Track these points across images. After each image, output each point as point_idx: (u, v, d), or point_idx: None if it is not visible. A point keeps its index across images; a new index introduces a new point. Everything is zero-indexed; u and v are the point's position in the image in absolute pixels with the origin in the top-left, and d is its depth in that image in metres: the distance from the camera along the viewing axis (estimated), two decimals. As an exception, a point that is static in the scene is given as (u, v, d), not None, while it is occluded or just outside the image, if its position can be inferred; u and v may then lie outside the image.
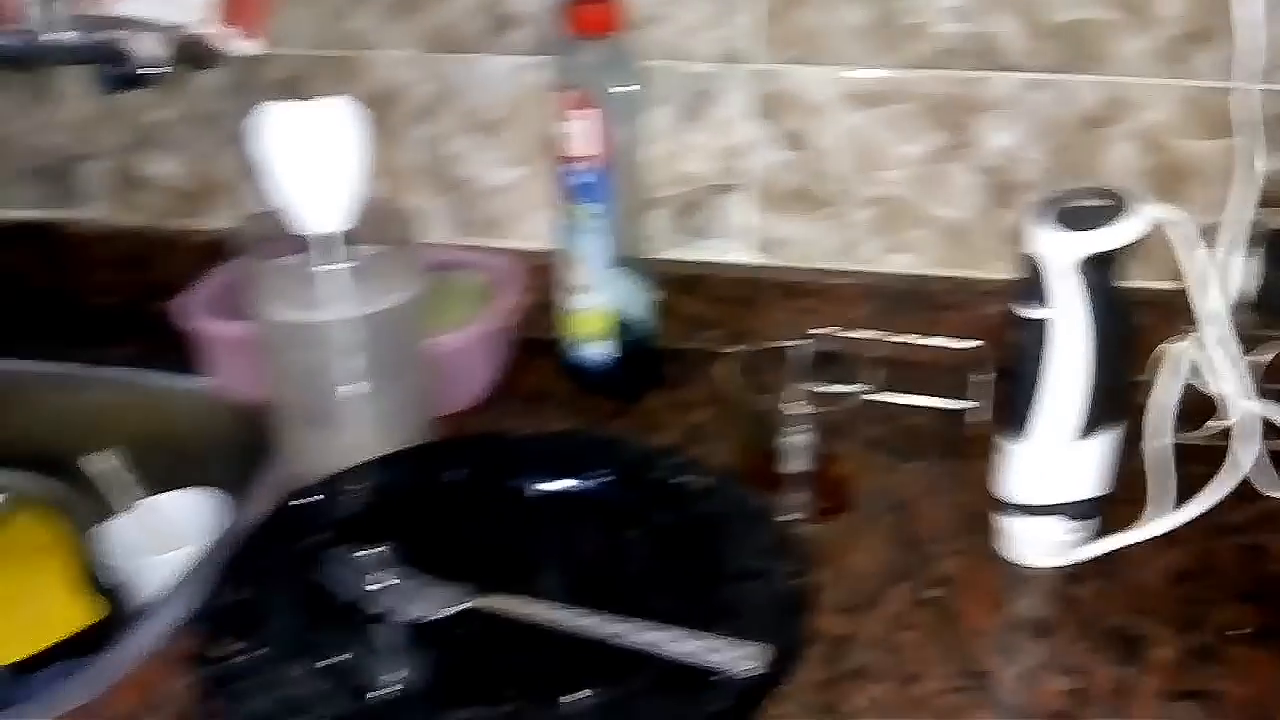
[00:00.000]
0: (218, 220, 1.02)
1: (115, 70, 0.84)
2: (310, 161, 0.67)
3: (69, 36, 0.86)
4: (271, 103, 0.68)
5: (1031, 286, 0.64)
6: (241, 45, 0.89)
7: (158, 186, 1.02)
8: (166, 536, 0.85)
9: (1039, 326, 0.64)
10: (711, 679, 0.55)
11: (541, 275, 0.93)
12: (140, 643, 0.67)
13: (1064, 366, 0.65)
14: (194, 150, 0.99)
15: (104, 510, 0.88)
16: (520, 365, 0.93)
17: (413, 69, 0.92)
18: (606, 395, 0.89)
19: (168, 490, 0.87)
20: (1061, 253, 0.62)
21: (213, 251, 0.99)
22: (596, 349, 0.87)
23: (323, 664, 0.58)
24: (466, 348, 0.85)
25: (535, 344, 0.93)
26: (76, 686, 0.65)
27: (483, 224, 0.98)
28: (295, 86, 0.94)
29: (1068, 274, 0.63)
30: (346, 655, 0.59)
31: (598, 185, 0.81)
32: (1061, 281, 0.63)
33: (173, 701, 0.62)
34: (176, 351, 0.93)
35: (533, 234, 0.96)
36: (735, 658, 0.55)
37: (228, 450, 0.91)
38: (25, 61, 0.92)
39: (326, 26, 0.92)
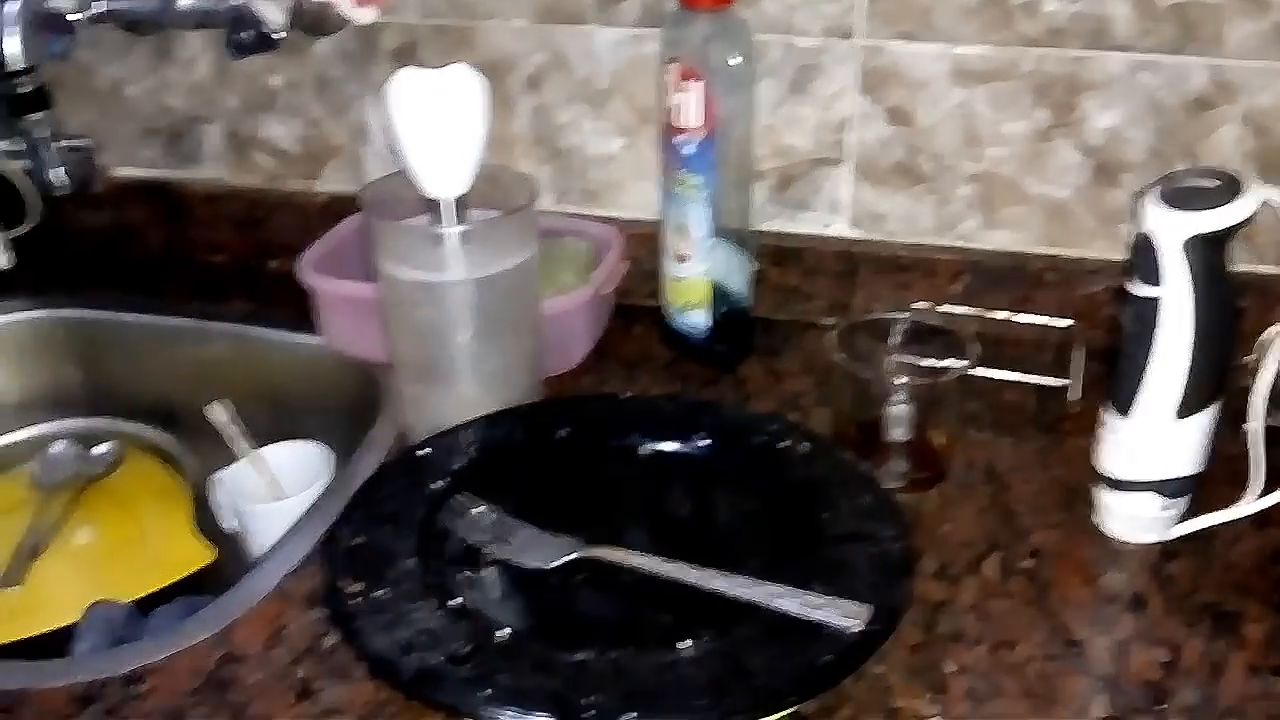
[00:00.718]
0: (329, 183, 1.05)
1: (242, 35, 0.87)
2: (435, 127, 0.70)
3: (199, 1, 0.90)
4: (400, 69, 0.70)
5: (1142, 265, 0.65)
6: (359, 13, 0.92)
7: (273, 148, 1.05)
8: (277, 486, 0.88)
9: (1147, 305, 0.65)
10: (815, 635, 0.57)
11: (643, 243, 0.95)
12: (264, 581, 0.70)
13: (1170, 345, 0.65)
14: (308, 114, 1.03)
15: (217, 460, 0.92)
16: (620, 331, 0.95)
17: (524, 39, 0.95)
18: (703, 363, 0.91)
19: (278, 442, 0.91)
20: (1172, 232, 0.63)
21: (324, 213, 1.02)
22: (695, 317, 0.89)
23: (440, 607, 0.60)
24: (571, 312, 0.87)
25: (635, 310, 0.96)
26: (203, 621, 0.68)
27: (587, 192, 1.00)
28: (409, 54, 0.97)
29: (1178, 253, 0.63)
30: (462, 599, 0.62)
31: (702, 156, 0.83)
32: (1171, 261, 0.64)
33: (296, 636, 0.66)
34: (288, 308, 0.97)
35: (635, 203, 0.98)
36: (837, 615, 0.57)
37: (336, 405, 0.95)
38: (154, 25, 0.96)
39: (441, -4, 0.95)
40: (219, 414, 0.88)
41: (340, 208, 1.02)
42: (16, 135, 0.86)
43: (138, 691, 0.63)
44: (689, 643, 0.58)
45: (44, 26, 0.82)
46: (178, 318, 1.02)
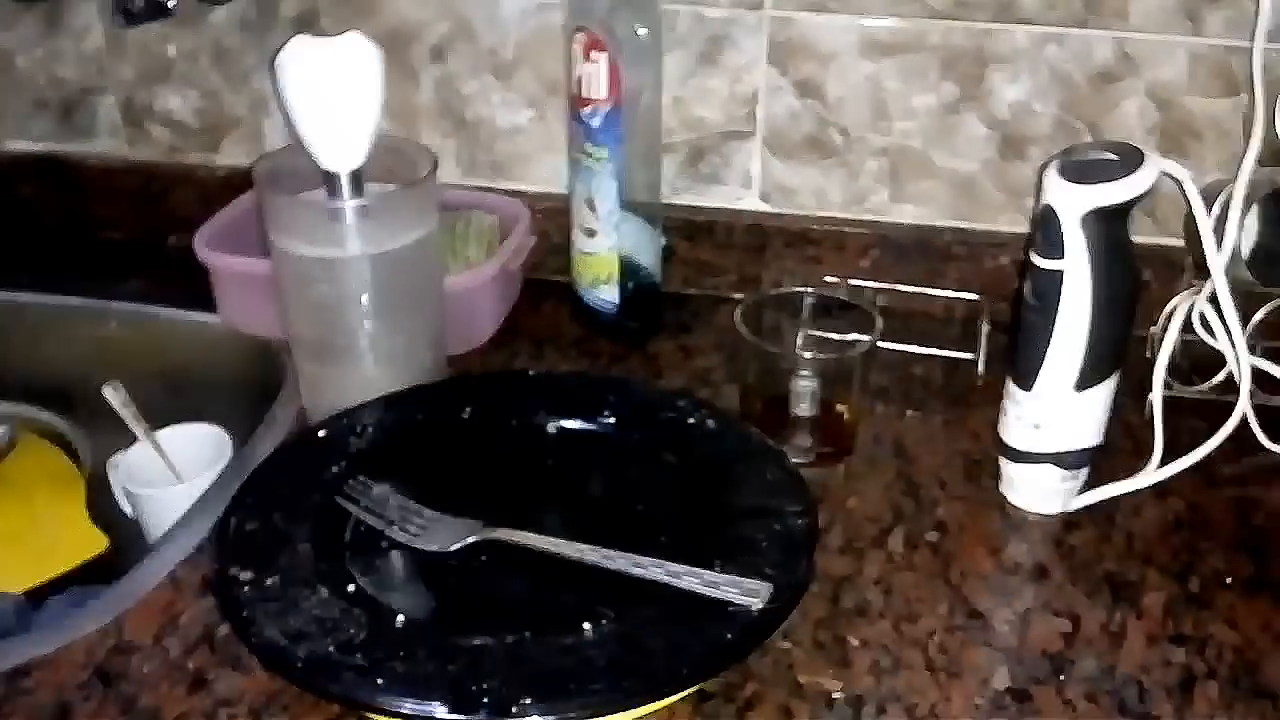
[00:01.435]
0: (229, 156, 1.02)
1: (131, 3, 0.84)
2: (329, 98, 0.67)
3: (84, -33, 0.86)
4: (292, 39, 0.68)
5: (1043, 238, 0.65)
6: (256, -20, 0.89)
7: (170, 121, 1.02)
8: (173, 469, 0.86)
9: (1049, 277, 0.65)
10: (717, 613, 0.57)
11: (552, 218, 0.94)
12: (156, 569, 0.68)
13: (1070, 318, 0.66)
14: (206, 85, 0.99)
15: (112, 443, 0.89)
16: (528, 307, 0.94)
17: (427, 7, 0.92)
18: (613, 339, 0.90)
19: (175, 424, 0.88)
20: (1073, 205, 0.63)
21: (224, 187, 1.00)
22: (604, 291, 0.88)
23: (334, 594, 0.59)
24: (476, 288, 0.85)
25: (543, 286, 0.95)
26: (94, 611, 0.66)
27: (494, 165, 0.98)
28: (309, 23, 0.94)
29: (1078, 226, 0.63)
30: (357, 586, 0.61)
31: (609, 128, 0.82)
32: (1072, 234, 0.64)
33: (189, 626, 0.64)
34: (186, 286, 0.94)
35: (544, 176, 0.97)
36: (739, 593, 0.57)
37: (235, 386, 0.92)
38: (39, -8, 0.92)
39: (342, -38, 0.92)
40: (114, 396, 0.86)
41: (241, 181, 0.98)
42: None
43: (24, 686, 0.61)
44: (589, 625, 0.57)
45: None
46: (73, 297, 0.99)
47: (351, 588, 0.59)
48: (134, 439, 0.87)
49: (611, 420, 0.73)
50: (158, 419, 0.87)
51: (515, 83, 0.94)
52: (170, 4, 0.85)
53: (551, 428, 0.73)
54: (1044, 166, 0.66)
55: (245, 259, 0.87)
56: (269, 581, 0.58)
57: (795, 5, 0.87)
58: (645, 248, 0.88)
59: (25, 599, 0.78)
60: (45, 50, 1.01)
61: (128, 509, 0.88)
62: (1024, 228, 0.91)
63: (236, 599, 0.57)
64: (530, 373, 0.81)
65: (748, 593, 0.57)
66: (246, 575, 0.59)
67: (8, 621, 0.75)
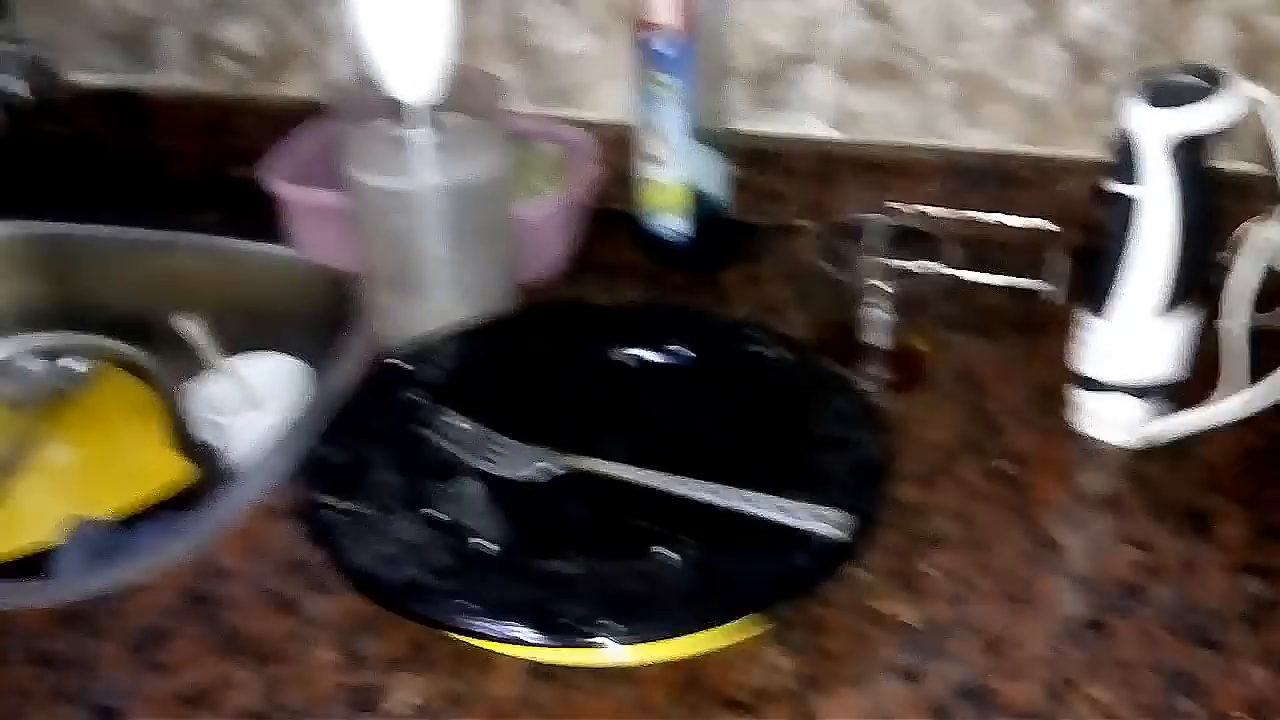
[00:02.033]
0: (295, 87, 1.02)
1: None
2: (401, 27, 0.67)
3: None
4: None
5: (1121, 164, 0.64)
6: (321, -91, 0.88)
7: (235, 51, 1.02)
8: (251, 399, 0.87)
9: (1127, 203, 0.64)
10: (792, 540, 0.57)
11: (616, 147, 0.93)
12: (243, 496, 0.70)
13: (1150, 244, 0.65)
14: (270, 14, 0.99)
15: (189, 373, 0.91)
16: (595, 237, 0.94)
17: (491, -67, 0.92)
18: (681, 268, 0.90)
19: (249, 354, 0.89)
20: (1154, 130, 0.62)
21: (291, 118, 1.00)
22: (671, 222, 0.88)
23: (420, 519, 0.60)
24: (544, 218, 0.86)
25: (610, 215, 0.94)
26: (183, 537, 0.68)
27: (558, 93, 0.98)
28: (372, -48, 0.94)
29: (1159, 152, 0.62)
30: (442, 511, 0.62)
31: (677, 55, 0.81)
32: (1152, 159, 0.63)
33: (277, 552, 0.66)
34: (256, 217, 0.95)
35: (608, 104, 0.96)
36: (816, 520, 0.57)
37: (308, 316, 0.94)
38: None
39: (404, -110, 0.91)
40: (189, 327, 0.87)
41: (307, 112, 0.99)
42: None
43: (120, 609, 0.63)
44: (667, 550, 0.58)
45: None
46: (145, 229, 1.00)
47: (437, 514, 0.61)
48: (210, 369, 0.88)
49: (683, 350, 0.73)
50: (232, 349, 0.89)
51: (580, 8, 0.93)
52: (236, -66, 0.85)
53: (625, 358, 0.74)
54: (1121, 90, 0.65)
55: (316, 190, 0.87)
56: (357, 508, 0.60)
57: (865, -74, 0.86)
58: (712, 176, 0.88)
59: (115, 525, 0.80)
60: (111, -18, 1.01)
61: (208, 437, 0.89)
62: (1098, 153, 0.89)
63: (327, 526, 0.59)
64: (600, 304, 0.81)
65: (825, 520, 0.57)
66: (335, 502, 0.60)
67: (99, 546, 0.78)
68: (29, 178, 1.06)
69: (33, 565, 0.79)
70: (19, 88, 0.84)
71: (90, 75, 1.06)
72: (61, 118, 1.05)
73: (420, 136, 0.70)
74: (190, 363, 0.89)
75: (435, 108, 0.71)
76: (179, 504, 0.86)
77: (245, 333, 0.91)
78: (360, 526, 0.59)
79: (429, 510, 0.62)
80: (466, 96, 0.73)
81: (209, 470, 0.88)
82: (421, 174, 0.70)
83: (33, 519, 0.84)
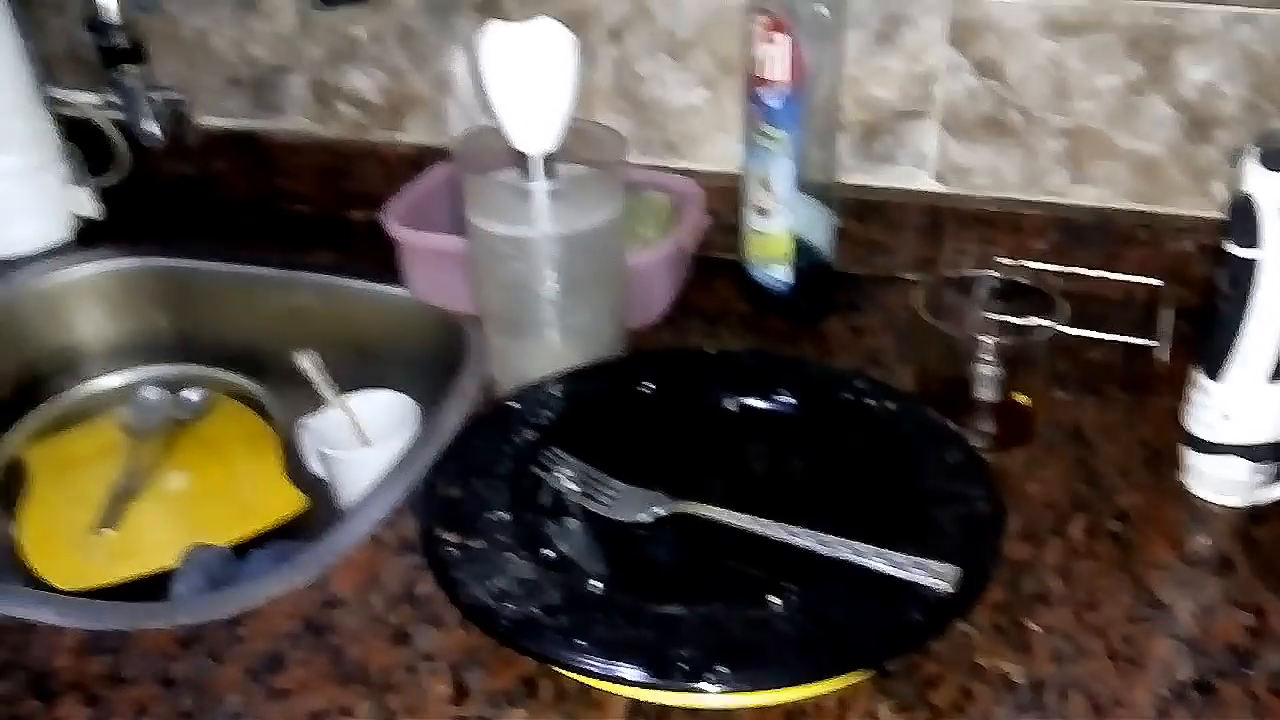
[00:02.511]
0: (412, 134, 1.06)
1: (330, -13, 0.88)
2: (525, 82, 0.70)
3: (285, -47, 0.90)
4: (490, 24, 0.70)
5: (1240, 226, 0.64)
6: (445, -36, 0.92)
7: (356, 99, 1.06)
8: (362, 433, 0.90)
9: (1245, 267, 0.64)
10: (902, 593, 0.58)
11: (722, 196, 0.95)
12: (357, 528, 0.72)
13: (1267, 309, 0.64)
14: (391, 65, 1.03)
15: (303, 407, 0.94)
16: (700, 284, 0.95)
17: (607, -10, 0.94)
18: (784, 317, 0.91)
19: (362, 390, 0.92)
20: (1273, 194, 0.62)
21: (407, 163, 1.04)
22: (776, 271, 0.89)
23: (532, 558, 0.62)
24: (653, 266, 0.87)
25: (715, 263, 0.96)
26: (302, 566, 0.70)
27: (667, 144, 1.00)
28: (492, 6, 0.97)
29: (1278, 216, 0.62)
30: (553, 550, 0.64)
31: (787, 109, 0.82)
32: (1271, 223, 0.62)
33: (390, 584, 0.67)
34: (372, 258, 0.98)
35: (716, 155, 0.98)
36: (926, 575, 0.58)
37: (420, 355, 0.96)
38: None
39: (524, -54, 0.94)
40: (306, 362, 0.90)
41: (423, 158, 1.03)
42: (111, 88, 0.87)
43: (239, 634, 0.65)
44: (776, 599, 0.58)
45: (136, -21, 0.83)
46: (264, 267, 1.04)
47: (548, 552, 0.62)
48: (324, 403, 0.91)
49: (789, 399, 0.74)
50: (344, 385, 0.91)
51: (690, 63, 0.95)
52: (365, -12, 0.89)
53: (731, 405, 0.75)
54: (1239, 152, 0.65)
55: (433, 235, 0.90)
56: (472, 545, 0.62)
57: (977, -16, 0.87)
58: (818, 227, 0.89)
59: (231, 551, 0.83)
60: (240, 30, 1.06)
61: (318, 470, 0.92)
62: (1209, 212, 0.89)
63: (444, 561, 0.61)
64: (709, 350, 0.82)
65: (935, 575, 0.58)
66: (451, 537, 0.62)
67: (216, 572, 0.80)
68: (156, 214, 1.11)
69: (151, 588, 0.82)
70: (154, 131, 0.88)
71: (218, 118, 1.11)
72: (189, 158, 1.10)
73: (538, 186, 0.72)
74: (303, 397, 0.92)
75: (553, 158, 0.73)
76: (291, 533, 0.89)
77: (358, 369, 0.94)
78: (474, 562, 0.61)
79: (541, 548, 0.63)
80: (584, 147, 0.75)
81: (320, 501, 0.91)
82: (539, 222, 0.72)
83: (152, 544, 0.88)
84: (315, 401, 0.91)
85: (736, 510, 0.64)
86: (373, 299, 1.00)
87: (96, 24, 0.79)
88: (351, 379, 0.92)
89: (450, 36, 1.00)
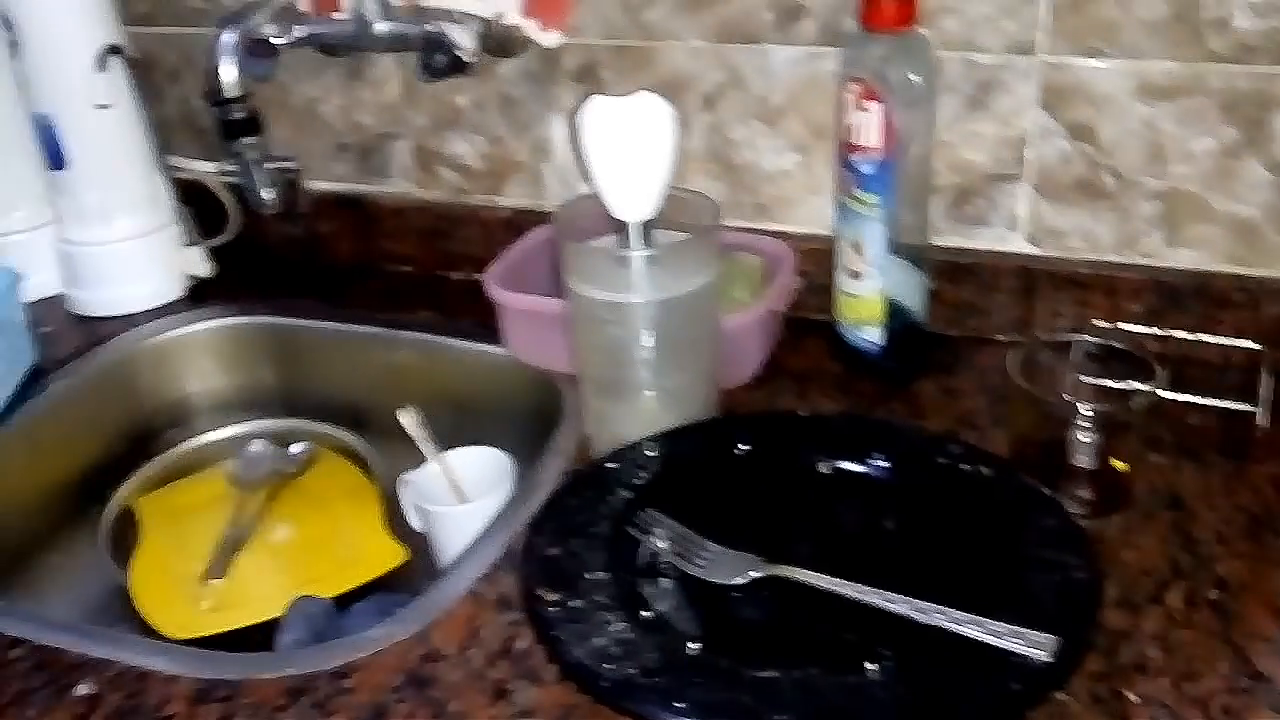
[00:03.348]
0: (511, 197, 1.09)
1: (435, 59, 0.91)
2: (625, 153, 0.72)
3: (395, 26, 0.94)
4: (592, 97, 0.73)
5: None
6: (545, 36, 0.95)
7: (457, 164, 1.10)
8: (460, 490, 0.92)
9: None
10: (1000, 661, 0.58)
11: (813, 258, 0.96)
12: (457, 583, 0.74)
13: (1372, 377, 0.64)
14: (492, 132, 1.07)
15: (402, 462, 0.96)
16: (790, 344, 0.96)
17: (701, 59, 0.97)
18: (876, 378, 0.91)
19: (461, 447, 0.94)
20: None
21: (506, 226, 1.07)
22: (868, 332, 0.90)
23: (631, 618, 0.63)
24: (744, 327, 0.89)
25: (805, 324, 0.97)
26: (402, 620, 0.72)
27: (759, 207, 1.01)
28: (589, 74, 1.00)
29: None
30: (650, 610, 0.65)
31: (880, 175, 0.84)
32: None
33: (490, 639, 0.69)
34: (471, 318, 1.01)
35: (807, 218, 1.00)
36: (1026, 644, 0.58)
37: (516, 413, 0.99)
38: (349, 48, 1.01)
39: (621, 18, 0.97)
40: (407, 419, 0.93)
41: (521, 222, 1.06)
42: (228, 157, 0.91)
43: (345, 686, 0.67)
44: (874, 665, 0.59)
45: (252, 52, 0.87)
46: (367, 325, 1.07)
47: (645, 613, 0.64)
48: (423, 459, 0.93)
49: (883, 462, 0.75)
50: (443, 441, 0.94)
51: (782, 128, 0.97)
52: (468, 60, 0.92)
53: (824, 468, 0.76)
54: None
55: (531, 297, 0.93)
56: (572, 604, 0.63)
57: (1069, 50, 0.87)
58: (910, 289, 0.89)
59: (334, 604, 0.86)
60: (347, 99, 1.10)
61: (416, 524, 0.94)
62: (1309, 275, 0.88)
63: (545, 619, 0.62)
64: (802, 413, 0.83)
65: (1033, 644, 0.58)
66: (552, 596, 0.63)
67: (320, 624, 0.83)
68: (264, 273, 1.16)
69: (255, 636, 0.85)
70: (269, 198, 0.92)
71: (325, 182, 1.15)
72: (297, 220, 1.15)
73: (636, 253, 0.75)
74: (403, 452, 0.94)
75: (650, 224, 0.75)
76: (389, 585, 0.91)
77: (455, 426, 0.96)
78: (574, 620, 0.62)
79: (639, 609, 0.64)
80: (680, 213, 0.77)
81: (417, 555, 0.93)
82: (637, 288, 0.74)
83: (257, 594, 0.90)
84: (415, 456, 0.93)
85: (831, 574, 0.65)
86: (472, 357, 1.03)
87: (217, 98, 0.83)
88: (449, 435, 0.94)
89: (548, 105, 1.03)
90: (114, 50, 0.99)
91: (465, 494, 0.92)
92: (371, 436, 1.07)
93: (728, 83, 0.97)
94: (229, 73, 0.83)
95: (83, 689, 0.69)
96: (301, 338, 1.10)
